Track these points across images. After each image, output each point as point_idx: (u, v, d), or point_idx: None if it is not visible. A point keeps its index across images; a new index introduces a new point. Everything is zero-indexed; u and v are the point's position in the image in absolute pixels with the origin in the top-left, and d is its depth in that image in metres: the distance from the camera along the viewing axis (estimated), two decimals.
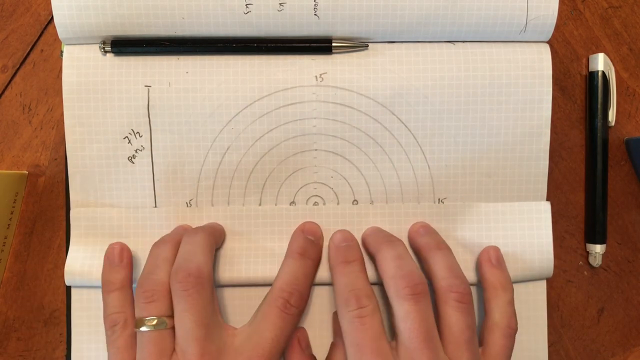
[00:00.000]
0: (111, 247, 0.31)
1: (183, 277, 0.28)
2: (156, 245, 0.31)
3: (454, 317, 0.28)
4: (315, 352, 0.32)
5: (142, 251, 0.32)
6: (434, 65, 0.32)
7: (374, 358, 0.27)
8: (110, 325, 0.29)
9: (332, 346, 0.32)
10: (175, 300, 0.28)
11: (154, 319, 0.28)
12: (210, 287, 0.29)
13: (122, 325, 0.29)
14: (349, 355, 0.27)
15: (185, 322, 0.27)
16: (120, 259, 0.30)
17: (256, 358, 0.28)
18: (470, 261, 0.32)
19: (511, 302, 0.30)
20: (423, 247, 0.31)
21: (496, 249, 0.32)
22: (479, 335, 0.31)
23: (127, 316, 0.29)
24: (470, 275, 0.32)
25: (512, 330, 0.30)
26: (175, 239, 0.31)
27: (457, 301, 0.28)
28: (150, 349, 0.28)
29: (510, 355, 0.30)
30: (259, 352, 0.28)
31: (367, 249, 0.32)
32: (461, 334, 0.28)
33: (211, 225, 0.32)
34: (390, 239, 0.31)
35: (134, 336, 0.29)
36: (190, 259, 0.29)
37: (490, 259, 0.32)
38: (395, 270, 0.28)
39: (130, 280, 0.30)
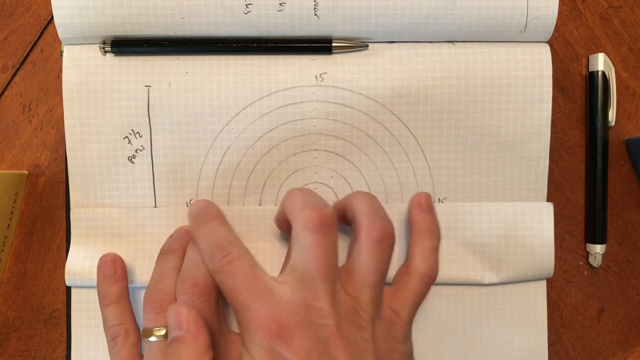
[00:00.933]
0: (103, 260, 0.30)
1: (189, 287, 0.28)
2: (162, 254, 0.31)
3: (363, 256, 0.27)
4: None
5: (142, 251, 0.32)
6: (434, 65, 0.32)
7: (250, 294, 0.25)
8: (111, 338, 0.29)
9: None
10: None
11: (162, 330, 0.28)
12: (216, 295, 0.29)
13: (124, 337, 0.29)
14: (230, 303, 0.26)
15: None
16: (113, 271, 0.30)
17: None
18: (470, 261, 0.32)
19: (435, 250, 0.30)
20: (348, 197, 0.30)
21: (427, 195, 0.31)
22: (395, 277, 0.30)
23: (128, 327, 0.29)
24: (471, 275, 0.32)
25: (429, 279, 0.29)
26: (182, 248, 0.31)
27: (374, 242, 0.27)
28: (158, 359, 0.28)
29: (420, 303, 0.29)
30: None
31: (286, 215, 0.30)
32: (365, 274, 0.27)
33: None
34: (303, 190, 0.29)
35: (135, 346, 0.29)
36: (196, 268, 0.29)
37: (421, 204, 0.31)
38: (304, 203, 0.27)
39: (126, 290, 0.30)
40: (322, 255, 0.26)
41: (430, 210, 0.31)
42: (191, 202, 0.33)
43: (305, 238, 0.26)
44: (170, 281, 0.29)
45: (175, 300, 0.28)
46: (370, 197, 0.29)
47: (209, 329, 0.27)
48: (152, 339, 0.28)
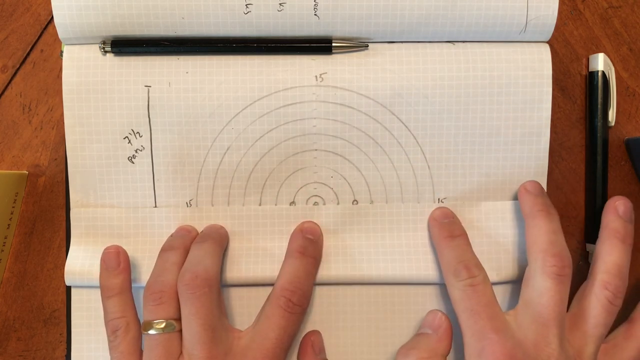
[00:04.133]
0: (107, 251, 0.31)
1: (190, 279, 0.28)
2: (164, 250, 0.31)
3: (596, 310, 0.28)
4: None
5: (142, 251, 0.32)
6: (434, 65, 0.32)
7: (489, 322, 0.27)
8: (112, 331, 0.29)
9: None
10: (182, 303, 0.28)
11: (162, 322, 0.28)
12: (218, 290, 0.29)
13: (124, 330, 0.29)
14: (463, 320, 0.28)
15: (192, 325, 0.27)
16: (117, 263, 0.30)
17: (260, 358, 0.28)
18: None
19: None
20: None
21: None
22: (613, 335, 0.31)
23: (129, 320, 0.29)
24: None
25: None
26: (184, 245, 0.31)
27: (610, 301, 0.29)
28: (158, 351, 0.28)
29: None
30: (262, 353, 0.28)
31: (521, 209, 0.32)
32: (595, 329, 0.28)
33: (218, 231, 0.32)
34: (548, 209, 0.30)
35: (136, 339, 0.29)
36: (198, 262, 0.29)
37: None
38: (548, 246, 0.29)
39: (128, 283, 0.30)
40: (559, 301, 0.28)
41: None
42: (191, 202, 0.33)
43: (544, 281, 0.28)
44: (170, 275, 0.29)
45: (176, 293, 0.28)
46: (620, 253, 0.30)
47: (210, 322, 0.28)
48: (152, 331, 0.28)
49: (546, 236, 0.29)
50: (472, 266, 0.29)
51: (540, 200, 0.31)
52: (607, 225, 0.30)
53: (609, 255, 0.30)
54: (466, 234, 0.31)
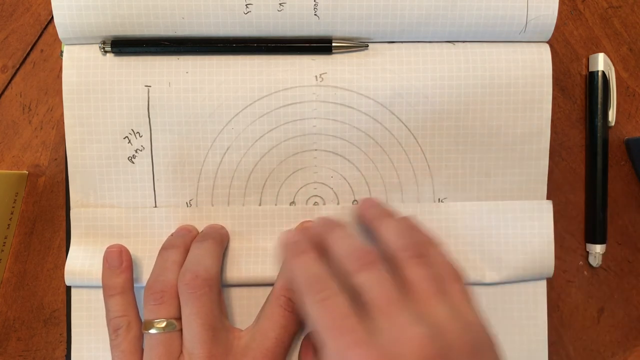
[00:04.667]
0: (110, 250, 0.31)
1: (190, 278, 0.28)
2: (165, 248, 0.31)
3: (415, 273, 0.26)
4: None
5: (142, 251, 0.32)
6: (434, 65, 0.32)
7: (341, 336, 0.24)
8: (113, 330, 0.29)
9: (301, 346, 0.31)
10: (182, 302, 0.28)
11: (162, 322, 0.28)
12: (218, 290, 0.29)
13: (126, 329, 0.29)
14: (324, 343, 0.25)
15: (193, 325, 0.27)
16: (119, 262, 0.30)
17: (260, 357, 0.28)
18: (471, 260, 0.32)
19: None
20: (371, 220, 0.30)
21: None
22: None
23: (131, 319, 0.29)
24: (472, 274, 0.32)
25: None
26: (184, 244, 0.31)
27: (416, 257, 0.26)
28: (158, 351, 0.28)
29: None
30: (263, 352, 0.28)
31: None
32: (429, 287, 0.26)
33: (218, 231, 0.32)
34: (331, 226, 0.29)
35: (138, 339, 0.29)
36: (198, 262, 0.29)
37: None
38: (345, 250, 0.27)
39: (131, 282, 0.30)
40: (385, 287, 0.25)
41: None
42: (191, 202, 0.33)
43: (358, 278, 0.26)
44: (171, 274, 0.29)
45: (177, 292, 0.28)
46: (395, 221, 0.29)
47: (210, 322, 0.28)
48: (153, 331, 0.28)
49: (339, 242, 0.27)
50: (322, 280, 0.26)
51: (322, 222, 0.30)
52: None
53: (388, 227, 0.28)
54: (313, 250, 0.28)
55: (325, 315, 0.25)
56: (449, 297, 0.26)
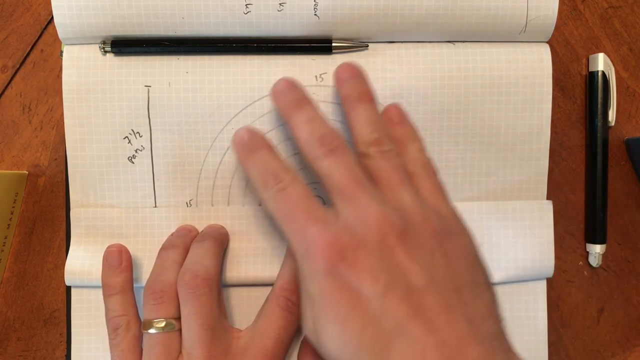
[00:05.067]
0: (109, 250, 0.31)
1: (190, 278, 0.28)
2: (164, 248, 0.31)
3: (380, 165, 0.26)
4: None
5: (142, 251, 0.32)
6: (434, 65, 0.32)
7: (304, 217, 0.24)
8: (113, 329, 0.29)
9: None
10: (182, 302, 0.28)
11: (162, 321, 0.28)
12: (217, 290, 0.29)
13: (125, 328, 0.29)
14: (284, 230, 0.25)
15: (192, 325, 0.27)
16: (119, 262, 0.30)
17: (260, 357, 0.28)
18: None
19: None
20: (344, 99, 0.29)
21: (397, 106, 0.30)
22: None
23: (130, 319, 0.29)
24: None
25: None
26: (184, 244, 0.31)
27: (382, 152, 0.26)
28: (157, 350, 0.28)
29: None
30: (262, 352, 0.28)
31: (278, 113, 0.29)
32: (392, 177, 0.25)
33: (218, 231, 0.32)
34: (298, 102, 0.28)
35: (137, 338, 0.29)
36: (198, 262, 0.29)
37: (392, 119, 0.30)
38: (309, 134, 0.26)
39: (130, 282, 0.30)
40: (346, 169, 0.25)
41: (404, 119, 0.30)
42: (191, 202, 0.33)
43: (321, 163, 0.25)
44: (170, 274, 0.29)
45: (176, 292, 0.28)
46: (368, 109, 0.28)
47: (209, 322, 0.27)
48: (152, 330, 0.28)
49: (304, 127, 0.27)
50: (279, 171, 0.26)
51: (289, 97, 0.28)
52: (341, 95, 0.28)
53: (360, 116, 0.27)
54: (268, 145, 0.27)
55: (284, 204, 0.25)
56: (418, 189, 0.26)
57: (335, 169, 0.25)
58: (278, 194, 0.25)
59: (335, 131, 0.26)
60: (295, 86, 0.29)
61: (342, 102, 0.30)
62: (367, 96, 0.29)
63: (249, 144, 0.28)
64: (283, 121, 0.27)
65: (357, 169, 0.25)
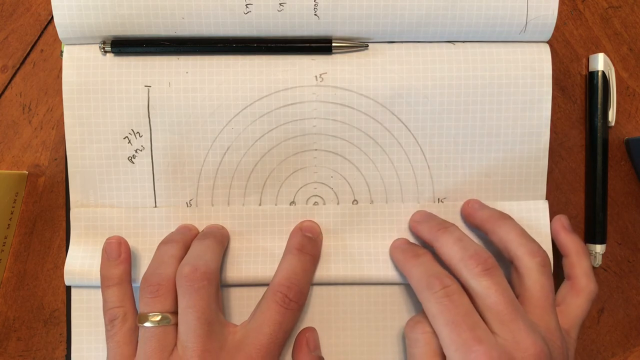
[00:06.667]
0: (109, 242, 0.31)
1: (190, 271, 0.28)
2: (164, 243, 0.31)
3: (539, 282, 0.28)
4: None
5: (142, 251, 0.32)
6: (434, 65, 0.32)
7: (472, 333, 0.26)
8: (109, 320, 0.29)
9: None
10: (180, 295, 0.28)
11: (157, 315, 0.28)
12: (216, 285, 0.29)
13: (122, 320, 0.29)
14: (445, 336, 0.27)
15: (188, 318, 0.27)
16: (118, 254, 0.30)
17: (255, 353, 0.28)
18: None
19: (592, 267, 0.31)
20: (486, 220, 0.31)
21: (565, 217, 0.33)
22: (559, 298, 0.31)
23: (127, 310, 0.29)
24: None
25: (596, 297, 0.31)
26: (184, 240, 0.31)
27: (542, 265, 0.29)
28: (152, 344, 0.28)
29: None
30: (257, 347, 0.28)
31: (421, 238, 0.32)
32: (547, 298, 0.28)
33: (219, 230, 0.32)
34: (443, 225, 0.31)
35: (133, 330, 0.29)
36: (199, 256, 0.29)
37: (565, 226, 0.32)
38: (462, 253, 0.28)
39: (129, 274, 0.30)
40: (504, 292, 0.27)
41: (573, 231, 0.33)
42: (191, 202, 0.33)
43: (479, 283, 0.27)
44: (169, 268, 0.29)
45: (173, 286, 0.28)
46: (514, 224, 0.31)
47: (206, 316, 0.27)
48: (147, 324, 0.28)
49: (455, 246, 0.29)
50: (444, 277, 0.28)
51: (434, 222, 0.32)
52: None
53: (513, 229, 0.30)
54: (430, 253, 0.31)
55: (450, 310, 0.27)
56: (554, 309, 0.28)
57: (492, 291, 0.27)
58: (444, 298, 0.27)
59: (485, 249, 0.29)
60: (432, 214, 0.33)
61: (480, 226, 0.32)
62: (505, 214, 0.32)
63: (412, 249, 0.31)
64: (429, 246, 0.31)
65: (511, 292, 0.28)
